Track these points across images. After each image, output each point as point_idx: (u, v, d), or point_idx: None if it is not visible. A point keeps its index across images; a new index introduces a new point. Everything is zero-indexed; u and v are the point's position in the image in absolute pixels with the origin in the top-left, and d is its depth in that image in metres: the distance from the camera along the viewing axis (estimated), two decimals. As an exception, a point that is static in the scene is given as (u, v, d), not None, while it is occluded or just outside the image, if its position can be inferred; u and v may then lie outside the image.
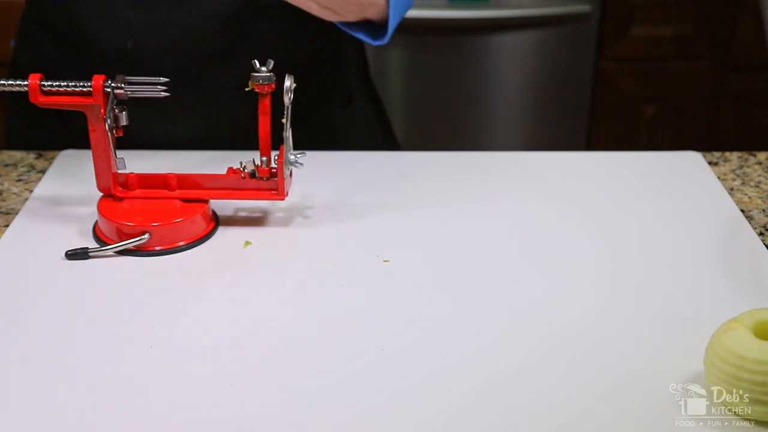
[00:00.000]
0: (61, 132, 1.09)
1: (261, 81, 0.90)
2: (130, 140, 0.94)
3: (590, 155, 1.15)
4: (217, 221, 0.96)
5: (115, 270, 0.89)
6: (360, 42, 1.23)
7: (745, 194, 1.03)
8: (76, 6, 1.06)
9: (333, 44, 1.17)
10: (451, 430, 0.70)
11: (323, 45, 1.15)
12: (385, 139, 1.29)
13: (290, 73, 0.90)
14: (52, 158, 1.08)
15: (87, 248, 0.90)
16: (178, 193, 0.94)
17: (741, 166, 1.09)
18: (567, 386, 0.74)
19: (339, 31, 1.05)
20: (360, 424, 0.70)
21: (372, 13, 1.02)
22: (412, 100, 2.20)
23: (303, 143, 0.94)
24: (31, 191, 1.02)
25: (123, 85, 0.89)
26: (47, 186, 1.03)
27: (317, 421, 0.70)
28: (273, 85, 0.90)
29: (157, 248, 0.91)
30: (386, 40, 1.06)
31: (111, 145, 0.91)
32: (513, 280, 0.87)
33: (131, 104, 0.91)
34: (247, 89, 0.93)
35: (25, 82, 0.89)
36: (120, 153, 0.92)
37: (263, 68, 0.90)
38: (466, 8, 2.07)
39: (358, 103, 1.24)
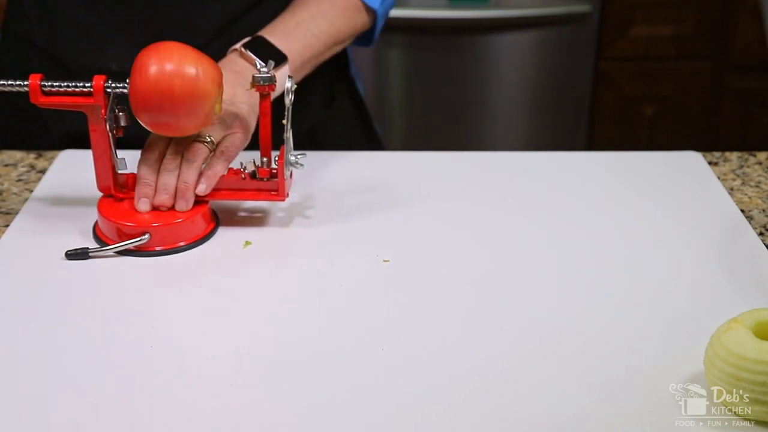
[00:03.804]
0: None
1: (261, 82, 0.90)
2: (130, 140, 0.93)
3: (590, 155, 1.15)
4: (217, 221, 0.96)
5: (115, 270, 0.89)
6: None
7: (745, 194, 1.03)
8: (54, 25, 1.02)
9: None
10: (451, 429, 0.70)
11: None
12: (367, 138, 1.28)
13: None
14: (52, 158, 1.08)
15: (87, 248, 0.90)
16: (178, 193, 0.94)
17: (741, 166, 1.09)
18: (567, 386, 0.74)
19: None
20: (360, 423, 0.70)
21: (360, 28, 1.09)
22: (412, 100, 2.20)
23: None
24: (31, 191, 1.02)
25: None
26: (47, 186, 1.03)
27: (317, 421, 0.70)
28: (273, 86, 0.90)
29: (157, 248, 0.91)
30: (373, 43, 1.15)
31: (111, 145, 0.91)
32: (513, 279, 0.87)
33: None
34: (246, 89, 0.93)
35: (26, 82, 0.89)
36: (120, 153, 0.92)
37: (264, 69, 0.90)
38: (466, 8, 2.07)
39: (339, 102, 1.23)
